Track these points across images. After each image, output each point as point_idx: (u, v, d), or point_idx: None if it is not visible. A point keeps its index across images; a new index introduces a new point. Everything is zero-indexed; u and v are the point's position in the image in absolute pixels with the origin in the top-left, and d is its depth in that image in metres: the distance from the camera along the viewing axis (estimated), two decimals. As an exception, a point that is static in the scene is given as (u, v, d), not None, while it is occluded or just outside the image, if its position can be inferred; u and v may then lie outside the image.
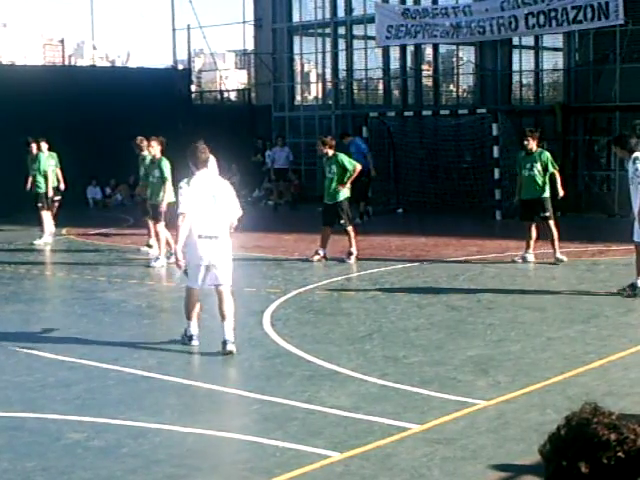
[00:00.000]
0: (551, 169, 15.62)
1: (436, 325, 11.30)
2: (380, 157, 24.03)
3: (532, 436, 6.88)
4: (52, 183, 19.98)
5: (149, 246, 17.48)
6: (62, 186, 20.53)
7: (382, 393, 8.43)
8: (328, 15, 29.28)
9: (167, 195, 16.19)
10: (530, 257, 15.73)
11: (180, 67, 34.03)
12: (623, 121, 23.01)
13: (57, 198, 20.27)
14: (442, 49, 29.86)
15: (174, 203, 13.69)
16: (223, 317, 9.93)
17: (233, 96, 37.61)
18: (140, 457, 6.92)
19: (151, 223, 17.00)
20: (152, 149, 16.47)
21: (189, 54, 34.33)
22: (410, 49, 28.34)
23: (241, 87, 39.55)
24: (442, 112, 25.59)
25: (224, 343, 9.81)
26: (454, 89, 30.31)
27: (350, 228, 16.34)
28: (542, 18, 23.17)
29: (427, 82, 29.10)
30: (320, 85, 32.10)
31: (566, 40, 24.74)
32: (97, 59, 62.60)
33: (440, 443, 7.06)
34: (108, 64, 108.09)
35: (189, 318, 10.24)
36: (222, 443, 7.41)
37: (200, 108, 32.63)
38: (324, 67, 30.62)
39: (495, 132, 22.92)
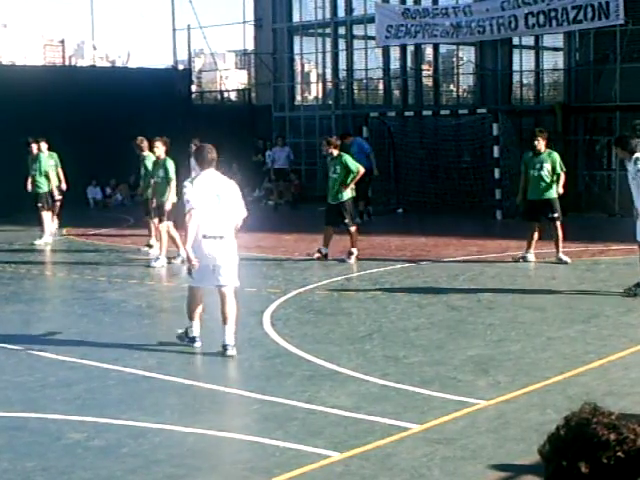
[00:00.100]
0: (558, 170, 15.56)
1: (436, 325, 11.30)
2: (380, 157, 24.02)
3: (532, 436, 6.88)
4: (54, 182, 20.00)
5: (149, 246, 17.50)
6: (64, 186, 20.55)
7: (382, 393, 8.43)
8: (328, 15, 29.28)
9: (172, 195, 16.27)
10: (531, 257, 15.72)
11: (180, 67, 34.03)
12: (623, 121, 23.01)
13: (58, 198, 20.29)
14: (442, 49, 29.88)
15: (178, 203, 13.76)
16: (225, 320, 9.82)
17: (233, 96, 37.62)
18: (140, 457, 6.92)
19: (153, 223, 17.06)
20: (157, 149, 16.50)
21: (189, 54, 34.35)
22: (410, 49, 28.34)
23: (241, 87, 39.56)
24: (442, 112, 25.60)
25: (224, 347, 9.76)
26: (454, 89, 30.32)
27: (353, 229, 16.35)
28: (542, 18, 23.17)
29: (427, 82, 29.11)
30: (320, 85, 32.11)
31: (566, 40, 24.74)
32: (97, 59, 62.62)
33: (440, 443, 7.06)
34: (108, 64, 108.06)
35: (191, 318, 10.14)
36: (222, 443, 7.41)
37: (200, 108, 32.64)
38: (324, 67, 30.63)
39: (495, 132, 22.92)
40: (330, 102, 30.20)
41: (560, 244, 15.47)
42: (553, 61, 27.06)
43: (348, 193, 16.35)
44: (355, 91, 30.12)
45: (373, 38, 27.59)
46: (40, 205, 19.73)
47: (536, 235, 15.66)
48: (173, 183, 16.21)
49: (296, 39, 30.62)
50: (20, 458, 6.92)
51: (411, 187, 25.33)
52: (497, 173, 22.98)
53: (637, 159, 12.44)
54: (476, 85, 27.80)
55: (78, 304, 13.24)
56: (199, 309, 10.14)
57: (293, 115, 30.41)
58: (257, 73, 33.49)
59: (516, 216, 22.14)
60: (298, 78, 31.97)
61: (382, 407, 7.95)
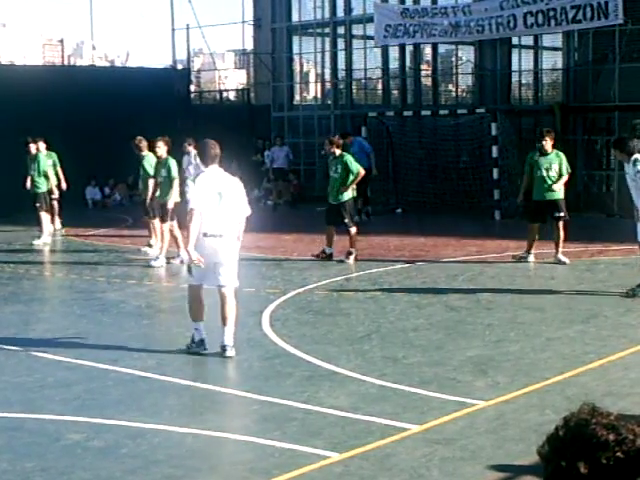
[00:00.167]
0: (564, 171, 15.50)
1: (435, 325, 11.30)
2: (379, 157, 24.03)
3: (531, 436, 6.88)
4: (54, 182, 20.00)
5: (149, 246, 17.52)
6: (64, 185, 20.55)
7: (381, 393, 8.43)
8: (327, 15, 29.28)
9: (174, 194, 16.32)
10: (531, 258, 15.70)
11: (179, 67, 34.05)
12: (622, 121, 23.00)
13: (54, 196, 20.27)
14: (441, 49, 29.89)
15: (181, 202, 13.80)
16: (224, 321, 9.75)
17: (232, 96, 37.62)
18: (139, 457, 6.92)
19: (154, 222, 17.11)
20: (159, 149, 16.53)
21: (188, 54, 34.36)
22: (409, 49, 28.35)
23: (240, 87, 39.56)
24: (441, 112, 25.60)
25: (223, 348, 9.72)
26: (453, 89, 30.33)
27: (353, 229, 16.35)
28: (541, 17, 23.17)
29: (426, 82, 29.11)
30: (319, 85, 32.12)
31: (565, 40, 24.75)
32: (96, 59, 62.61)
33: (439, 443, 7.06)
34: (107, 64, 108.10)
35: (194, 319, 9.92)
36: (221, 443, 7.41)
37: (199, 108, 32.65)
38: (323, 67, 30.63)
39: (494, 132, 22.91)
40: (329, 102, 30.20)
41: (560, 245, 15.46)
42: (552, 61, 27.07)
43: (349, 193, 16.37)
44: (354, 91, 30.13)
45: (372, 38, 27.59)
46: (38, 205, 19.73)
47: (537, 236, 15.63)
48: (176, 182, 16.29)
49: (295, 39, 30.62)
50: (19, 459, 6.92)
51: (410, 187, 25.33)
52: (496, 173, 22.98)
53: (636, 160, 12.44)
54: (475, 85, 27.81)
55: (77, 304, 13.23)
56: (201, 309, 9.95)
57: (292, 115, 30.41)
58: (256, 73, 33.50)
59: (515, 216, 22.15)
60: (297, 78, 31.97)
61: (381, 407, 7.95)
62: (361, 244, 17.03)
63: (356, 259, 16.19)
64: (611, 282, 13.80)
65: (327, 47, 29.82)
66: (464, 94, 29.74)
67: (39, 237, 19.50)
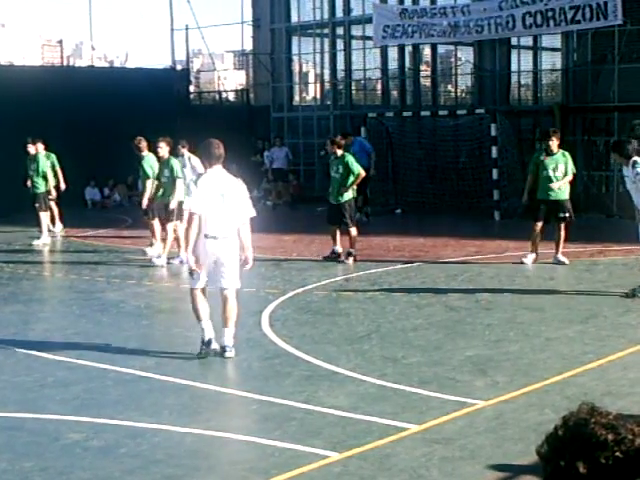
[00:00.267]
0: (569, 172, 15.45)
1: (435, 325, 11.30)
2: (378, 157, 24.03)
3: (530, 436, 6.88)
4: (52, 183, 19.98)
5: (151, 246, 17.54)
6: (62, 186, 20.52)
7: (380, 393, 8.43)
8: (326, 15, 29.28)
9: (178, 194, 16.34)
10: (531, 257, 15.57)
11: (178, 67, 34.04)
12: (622, 121, 23.00)
13: (52, 197, 20.26)
14: (440, 49, 29.89)
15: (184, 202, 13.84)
16: (225, 322, 9.73)
17: (231, 96, 37.60)
18: (139, 457, 6.92)
19: (154, 223, 17.15)
20: (161, 150, 16.54)
21: (187, 54, 34.35)
22: (408, 49, 28.35)
23: (239, 87, 39.50)
24: (440, 112, 25.60)
25: (223, 348, 9.71)
26: (452, 89, 30.34)
27: (354, 230, 16.36)
28: (540, 18, 23.16)
29: (425, 82, 29.11)
30: (318, 85, 32.10)
31: (564, 40, 24.74)
32: (95, 60, 62.55)
33: (439, 443, 7.06)
34: (107, 65, 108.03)
35: (199, 319, 9.82)
36: (221, 443, 7.41)
37: (198, 108, 32.64)
38: (322, 67, 30.62)
39: (493, 132, 22.92)
40: (328, 102, 30.20)
41: (561, 245, 15.44)
42: (551, 61, 27.06)
43: (349, 194, 16.39)
44: (353, 91, 30.13)
45: (371, 38, 27.60)
46: (37, 205, 19.73)
47: (540, 236, 15.49)
48: (179, 182, 16.29)
49: (294, 39, 30.63)
50: (18, 458, 6.92)
51: (409, 187, 25.34)
52: (495, 174, 22.98)
53: (635, 163, 12.45)
54: (474, 85, 27.81)
55: (76, 305, 13.23)
56: (205, 308, 9.82)
57: (291, 115, 30.41)
58: (255, 73, 33.49)
59: (514, 217, 22.16)
60: (296, 78, 31.97)
61: (380, 407, 7.95)
62: (361, 244, 17.03)
63: (355, 259, 16.20)
64: (610, 282, 13.81)
65: (326, 48, 29.82)
66: (463, 95, 29.74)
67: (38, 237, 19.51)
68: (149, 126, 21.19)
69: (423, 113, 25.49)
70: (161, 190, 16.77)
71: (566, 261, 15.38)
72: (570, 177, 15.53)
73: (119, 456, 6.95)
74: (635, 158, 12.48)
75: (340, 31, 29.36)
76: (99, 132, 26.42)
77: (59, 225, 20.88)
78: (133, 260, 17.10)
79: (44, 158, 20.03)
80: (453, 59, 30.79)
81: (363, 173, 16.60)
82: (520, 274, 14.89)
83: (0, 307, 13.17)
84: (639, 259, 14.42)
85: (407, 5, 26.93)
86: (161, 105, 28.15)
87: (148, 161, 17.32)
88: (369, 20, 27.19)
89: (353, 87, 30.10)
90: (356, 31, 29.01)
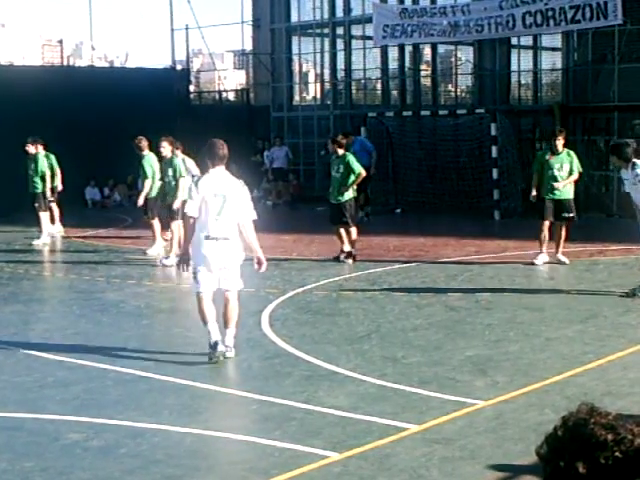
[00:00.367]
0: (575, 170, 15.39)
1: (434, 325, 11.30)
2: (379, 157, 24.03)
3: (530, 436, 6.88)
4: (49, 184, 19.95)
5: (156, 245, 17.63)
6: (59, 187, 20.47)
7: (380, 393, 8.43)
8: (326, 15, 29.28)
9: (181, 192, 16.34)
10: (543, 257, 15.38)
11: (178, 67, 34.03)
12: (622, 121, 23.01)
13: (50, 199, 20.25)
14: (440, 49, 29.89)
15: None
16: (226, 323, 9.67)
17: (231, 96, 37.58)
18: (139, 457, 6.92)
19: (154, 223, 17.16)
20: (163, 149, 16.55)
21: (187, 54, 34.34)
22: (408, 49, 28.36)
23: (239, 87, 39.47)
24: (440, 112, 25.60)
25: (216, 342, 9.70)
26: (452, 89, 30.33)
27: (354, 229, 16.36)
28: (540, 17, 23.16)
29: (425, 82, 29.11)
30: (318, 85, 32.11)
31: (564, 40, 24.75)
32: (96, 59, 62.58)
33: (439, 443, 7.06)
34: (107, 64, 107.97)
35: (205, 321, 9.68)
36: (220, 443, 7.41)
37: (198, 108, 32.64)
38: (322, 67, 30.63)
39: (494, 132, 22.92)
40: (328, 102, 30.21)
41: (562, 245, 15.43)
42: (551, 61, 27.06)
43: (349, 193, 16.39)
44: (353, 91, 30.13)
45: (371, 38, 27.60)
46: (37, 205, 19.72)
47: (547, 235, 15.35)
48: (182, 181, 16.28)
49: (294, 39, 30.63)
50: (18, 458, 6.93)
51: (409, 187, 25.34)
52: (495, 173, 22.98)
53: (634, 164, 12.44)
54: (474, 85, 27.81)
55: (76, 304, 13.23)
56: (211, 310, 9.67)
57: (291, 115, 30.42)
58: (255, 73, 33.48)
59: (514, 216, 22.18)
60: (296, 78, 31.98)
61: (380, 407, 7.95)
62: (361, 244, 17.03)
63: (355, 259, 16.19)
64: (610, 282, 13.81)
65: (326, 47, 29.82)
66: (463, 94, 29.73)
67: (38, 237, 19.51)
68: (149, 126, 21.18)
69: (423, 113, 25.49)
70: (165, 190, 16.78)
71: (566, 260, 15.37)
72: (576, 176, 15.50)
73: (119, 456, 6.95)
74: (634, 160, 12.48)
75: (340, 31, 29.36)
76: (99, 132, 26.42)
77: (58, 226, 20.87)
78: (133, 260, 17.09)
79: (43, 158, 20.02)
80: (453, 59, 30.79)
81: (364, 173, 16.60)
82: (520, 274, 14.88)
83: (0, 307, 13.17)
84: (639, 259, 14.44)
85: (407, 5, 26.92)
86: (161, 105, 28.15)
87: (148, 160, 17.32)
88: (369, 20, 27.18)
89: (353, 87, 30.10)
90: (356, 31, 29.01)
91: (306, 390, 8.54)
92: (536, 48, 27.10)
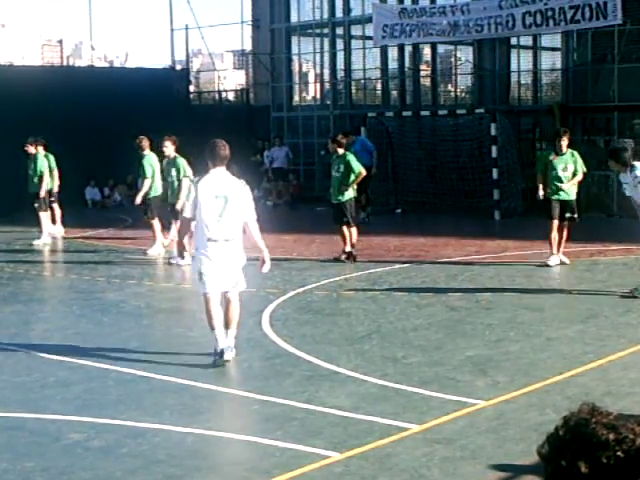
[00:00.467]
0: (579, 170, 15.35)
1: (435, 325, 11.31)
2: (379, 157, 24.04)
3: (531, 436, 6.88)
4: (46, 185, 19.89)
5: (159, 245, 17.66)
6: (56, 188, 20.40)
7: (381, 393, 8.44)
8: (326, 15, 29.29)
9: (185, 192, 16.33)
10: (555, 259, 15.25)
11: (178, 67, 34.03)
12: (621, 121, 23.02)
13: (52, 199, 20.24)
14: (440, 49, 29.91)
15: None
16: (228, 324, 9.62)
17: (231, 96, 37.59)
18: (140, 457, 6.92)
19: (154, 222, 17.16)
20: (166, 149, 16.56)
21: (187, 54, 34.34)
22: (408, 49, 28.37)
23: (239, 87, 39.49)
24: (440, 112, 25.61)
25: (222, 350, 9.70)
26: (452, 89, 30.35)
27: (354, 229, 16.36)
28: (539, 17, 23.17)
29: (425, 82, 29.13)
30: (318, 85, 32.13)
31: (564, 40, 24.76)
32: (95, 59, 62.58)
33: (439, 443, 7.07)
34: (106, 64, 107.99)
35: (212, 327, 9.59)
36: (221, 443, 7.42)
37: (198, 108, 32.63)
38: (322, 67, 30.64)
39: (493, 132, 22.92)
40: (328, 102, 30.21)
41: (562, 245, 15.42)
42: (551, 61, 27.08)
43: (349, 193, 16.40)
44: (353, 91, 30.15)
45: (371, 38, 27.62)
46: (37, 205, 19.72)
47: (556, 234, 15.28)
48: (185, 180, 16.27)
49: (294, 39, 30.63)
50: (19, 458, 6.93)
51: (409, 187, 25.34)
52: (495, 173, 22.98)
53: (633, 167, 12.44)
54: (474, 85, 27.82)
55: (77, 304, 13.24)
56: (219, 315, 9.58)
57: (291, 115, 30.42)
58: (255, 73, 33.49)
59: (514, 216, 22.18)
60: (296, 78, 31.98)
61: (381, 407, 7.96)
62: (361, 244, 17.03)
63: (355, 259, 16.19)
64: (611, 282, 13.81)
65: (326, 47, 29.83)
66: (463, 94, 29.75)
67: (39, 237, 19.51)
68: (149, 126, 21.14)
69: (423, 113, 25.49)
70: (169, 191, 16.77)
71: (567, 261, 15.37)
72: (580, 176, 15.46)
73: (120, 456, 6.95)
74: (633, 163, 12.48)
75: (340, 31, 29.37)
76: (99, 132, 26.42)
77: (59, 226, 20.87)
78: (133, 260, 17.10)
79: (43, 158, 20.01)
80: (453, 59, 30.81)
81: (364, 172, 16.61)
82: (520, 274, 14.89)
83: (0, 307, 13.17)
84: (639, 259, 14.44)
85: (407, 4, 26.93)
86: (161, 105, 28.13)
87: (149, 160, 17.33)
88: (369, 20, 27.19)
89: (353, 87, 30.11)
90: (356, 31, 29.01)
91: (307, 390, 8.55)
92: (536, 48, 27.11)
